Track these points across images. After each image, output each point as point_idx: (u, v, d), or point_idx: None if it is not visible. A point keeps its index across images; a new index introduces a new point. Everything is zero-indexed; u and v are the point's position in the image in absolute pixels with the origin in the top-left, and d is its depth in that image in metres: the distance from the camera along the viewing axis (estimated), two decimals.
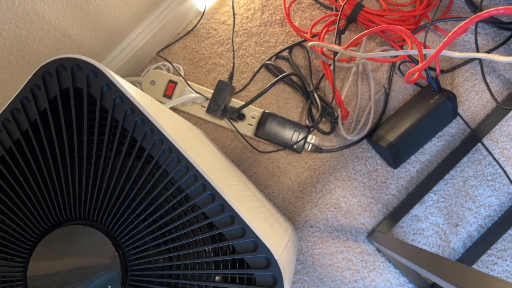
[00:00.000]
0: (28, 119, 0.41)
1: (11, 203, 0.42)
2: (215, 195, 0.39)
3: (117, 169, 0.42)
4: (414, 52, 0.58)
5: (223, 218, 0.38)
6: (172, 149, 0.40)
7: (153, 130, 0.40)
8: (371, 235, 0.77)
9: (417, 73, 0.58)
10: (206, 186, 0.39)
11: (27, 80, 0.41)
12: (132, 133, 0.40)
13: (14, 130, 0.42)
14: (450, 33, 0.44)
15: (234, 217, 0.38)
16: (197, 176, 0.39)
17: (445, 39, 0.45)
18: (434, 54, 0.48)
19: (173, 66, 0.82)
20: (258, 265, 0.37)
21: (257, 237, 0.37)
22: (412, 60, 0.78)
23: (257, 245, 0.37)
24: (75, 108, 0.41)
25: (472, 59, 0.77)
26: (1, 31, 0.55)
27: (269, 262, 0.37)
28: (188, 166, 0.39)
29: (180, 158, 0.40)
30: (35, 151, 0.42)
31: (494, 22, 0.76)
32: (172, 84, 0.80)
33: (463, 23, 0.42)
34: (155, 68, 0.83)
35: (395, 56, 0.74)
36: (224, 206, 0.38)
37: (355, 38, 0.66)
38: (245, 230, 0.37)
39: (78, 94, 0.41)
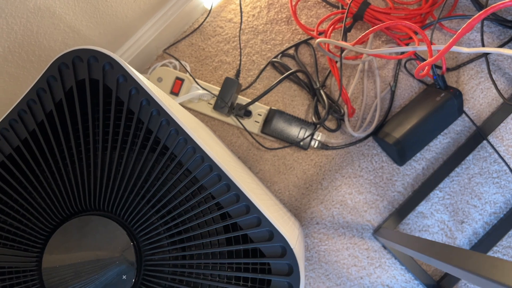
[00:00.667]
0: (44, 110, 0.42)
1: (26, 193, 0.42)
2: (230, 185, 0.39)
3: (132, 161, 0.42)
4: (422, 48, 0.58)
5: (238, 208, 0.39)
6: (187, 140, 0.40)
7: (169, 121, 0.40)
8: (377, 232, 0.77)
9: (427, 67, 0.59)
10: (221, 176, 0.39)
11: (44, 71, 0.41)
12: (147, 124, 0.41)
13: (30, 121, 0.42)
14: (462, 27, 0.45)
15: (250, 207, 0.38)
16: (213, 166, 0.40)
17: (457, 33, 0.46)
18: (445, 48, 0.49)
19: (180, 63, 0.83)
20: (274, 254, 0.38)
21: (272, 226, 0.38)
22: (418, 57, 0.78)
23: (273, 234, 0.38)
24: (90, 99, 0.41)
25: (478, 57, 0.78)
26: (13, 25, 0.55)
27: (285, 250, 0.37)
28: (203, 157, 0.40)
29: (195, 149, 0.40)
30: (50, 142, 0.42)
31: (499, 20, 0.77)
32: (179, 81, 0.80)
33: (476, 15, 0.43)
34: (162, 66, 0.83)
35: (402, 53, 0.75)
36: (239, 196, 0.39)
37: (362, 34, 0.67)
38: (261, 220, 0.38)
39: (94, 85, 0.42)
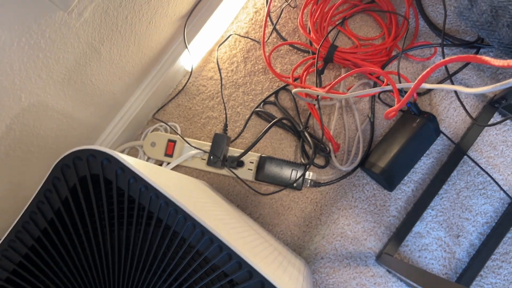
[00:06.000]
0: (52, 209, 0.46)
1: (43, 287, 0.46)
2: (231, 255, 0.43)
3: (139, 241, 0.46)
4: (388, 88, 0.63)
5: (242, 274, 0.42)
6: (186, 217, 0.44)
7: (168, 202, 0.44)
8: (379, 258, 0.81)
9: (394, 112, 0.64)
10: (222, 247, 0.43)
11: (48, 174, 0.45)
12: (148, 207, 0.45)
13: (41, 220, 0.46)
14: (416, 81, 0.50)
15: (252, 272, 0.42)
16: (213, 239, 0.43)
17: (413, 85, 0.51)
18: (406, 97, 0.53)
19: (169, 126, 0.87)
20: None
21: None
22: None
23: None
24: (94, 192, 0.45)
25: (445, 79, 0.83)
26: (12, 125, 0.59)
27: None
28: (203, 231, 0.44)
29: (195, 224, 0.44)
30: (61, 236, 0.46)
31: (457, 43, 0.83)
32: (171, 143, 0.84)
33: (425, 72, 0.48)
34: (153, 130, 0.88)
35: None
36: (241, 263, 0.42)
37: (333, 82, 0.72)
38: (264, 284, 0.41)
39: (95, 179, 0.46)
